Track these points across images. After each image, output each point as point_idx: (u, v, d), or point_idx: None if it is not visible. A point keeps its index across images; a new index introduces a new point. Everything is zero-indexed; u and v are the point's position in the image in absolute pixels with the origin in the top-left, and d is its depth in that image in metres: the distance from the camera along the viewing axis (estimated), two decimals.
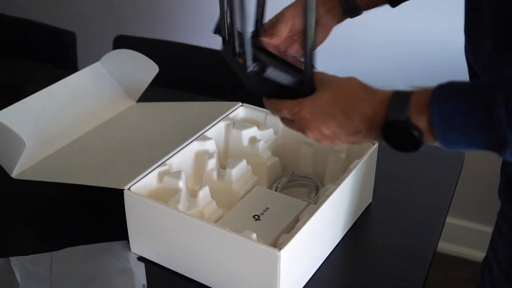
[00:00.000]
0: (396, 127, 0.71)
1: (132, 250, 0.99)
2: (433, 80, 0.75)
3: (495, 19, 0.78)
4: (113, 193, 0.96)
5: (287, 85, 0.81)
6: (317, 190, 1.08)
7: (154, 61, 1.26)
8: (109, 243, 1.00)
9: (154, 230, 0.95)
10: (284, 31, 0.94)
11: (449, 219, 1.14)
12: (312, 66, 0.81)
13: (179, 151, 1.04)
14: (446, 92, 0.69)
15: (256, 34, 0.94)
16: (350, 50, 1.89)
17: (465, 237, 2.05)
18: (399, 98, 0.72)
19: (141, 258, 0.99)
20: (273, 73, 0.80)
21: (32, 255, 0.98)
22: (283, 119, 0.84)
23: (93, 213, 1.10)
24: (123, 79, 1.29)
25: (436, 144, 0.71)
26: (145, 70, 1.27)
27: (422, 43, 1.80)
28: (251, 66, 0.80)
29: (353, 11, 0.96)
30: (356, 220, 1.07)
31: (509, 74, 0.68)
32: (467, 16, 0.85)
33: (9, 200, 1.14)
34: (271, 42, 0.94)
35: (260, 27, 0.94)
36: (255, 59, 0.80)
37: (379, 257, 1.02)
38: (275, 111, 0.83)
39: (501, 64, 0.78)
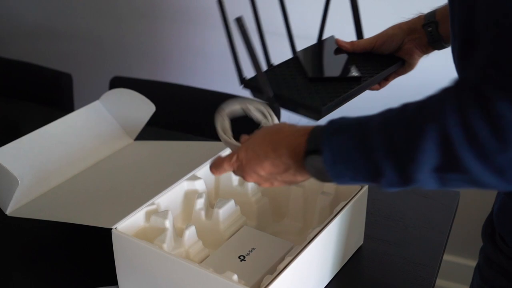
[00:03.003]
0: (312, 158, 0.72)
1: None
2: None
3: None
4: (105, 234, 0.97)
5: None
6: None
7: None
8: None
9: (140, 269, 0.95)
10: (362, 46, 1.04)
11: (446, 257, 1.13)
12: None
13: (168, 190, 1.05)
14: (333, 127, 0.71)
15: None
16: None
17: (463, 274, 2.00)
18: (317, 130, 0.73)
19: None
20: None
21: None
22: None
23: (85, 257, 1.10)
24: (122, 117, 1.31)
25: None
26: (143, 109, 1.29)
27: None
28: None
29: (437, 43, 1.00)
30: (348, 261, 1.06)
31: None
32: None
33: None
34: (344, 45, 1.06)
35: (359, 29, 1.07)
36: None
37: None
38: (216, 171, 0.85)
39: None
